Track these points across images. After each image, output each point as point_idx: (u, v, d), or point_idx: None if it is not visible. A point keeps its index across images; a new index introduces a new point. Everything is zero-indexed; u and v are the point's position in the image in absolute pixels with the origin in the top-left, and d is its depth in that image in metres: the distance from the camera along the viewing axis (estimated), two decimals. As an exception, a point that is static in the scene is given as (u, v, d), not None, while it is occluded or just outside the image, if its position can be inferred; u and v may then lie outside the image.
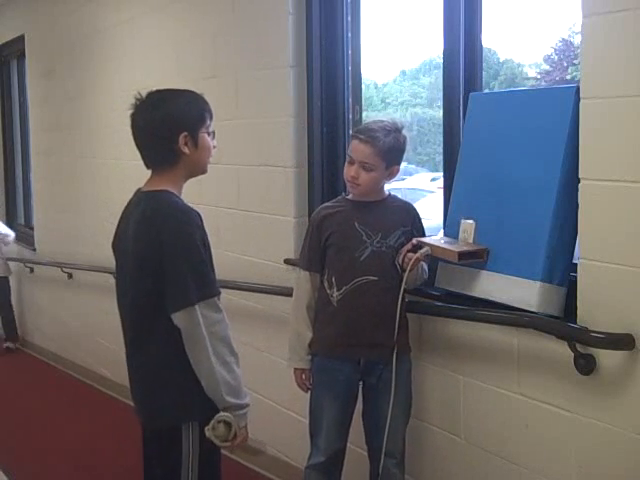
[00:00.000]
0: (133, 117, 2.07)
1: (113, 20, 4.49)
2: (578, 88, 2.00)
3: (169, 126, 2.02)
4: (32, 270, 5.93)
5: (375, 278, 2.35)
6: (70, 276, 5.19)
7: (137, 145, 2.07)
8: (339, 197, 2.62)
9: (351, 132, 2.45)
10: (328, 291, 2.40)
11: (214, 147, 2.11)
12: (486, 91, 2.58)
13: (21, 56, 6.20)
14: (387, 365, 2.37)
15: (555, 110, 2.10)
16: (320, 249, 2.44)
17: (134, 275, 2.02)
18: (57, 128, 5.44)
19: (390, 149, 2.33)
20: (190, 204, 2.02)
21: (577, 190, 2.01)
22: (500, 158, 2.28)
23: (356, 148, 2.35)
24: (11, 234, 5.91)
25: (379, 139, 2.31)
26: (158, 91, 2.10)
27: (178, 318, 1.91)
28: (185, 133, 2.01)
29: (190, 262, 1.93)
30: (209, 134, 2.08)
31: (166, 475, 2.06)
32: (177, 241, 1.94)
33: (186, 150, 2.02)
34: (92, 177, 4.93)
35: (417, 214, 2.48)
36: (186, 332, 1.92)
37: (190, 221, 1.97)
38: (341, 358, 2.41)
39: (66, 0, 5.10)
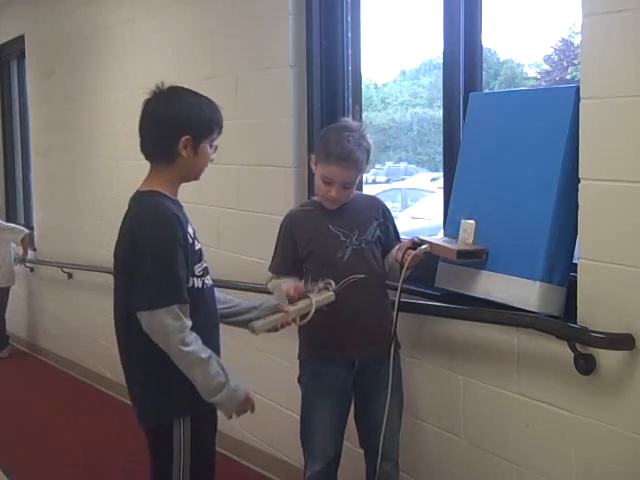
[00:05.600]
0: (147, 103, 2.09)
1: (113, 20, 4.49)
2: (578, 88, 2.00)
3: (175, 124, 2.04)
4: (32, 270, 5.93)
5: (362, 275, 2.34)
6: (70, 276, 5.19)
7: (140, 133, 2.09)
8: (308, 200, 2.58)
9: (329, 158, 2.29)
10: None
11: (212, 160, 2.12)
12: (486, 91, 2.58)
13: (21, 56, 6.20)
14: (381, 363, 2.35)
15: (555, 110, 2.10)
16: (292, 253, 2.40)
17: (117, 275, 2.07)
18: (57, 128, 5.44)
19: (366, 161, 2.35)
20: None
21: (577, 190, 2.01)
22: (500, 158, 2.28)
23: (339, 173, 2.30)
24: (24, 230, 5.88)
25: (359, 160, 2.31)
26: (179, 87, 2.12)
27: (141, 318, 1.95)
28: (188, 137, 2.03)
29: (154, 269, 1.95)
30: (211, 147, 2.10)
31: (158, 471, 2.09)
32: (146, 245, 1.96)
33: (184, 153, 2.04)
34: (92, 177, 4.93)
35: (384, 205, 2.50)
36: (147, 331, 1.96)
37: (163, 225, 1.98)
38: (336, 361, 2.38)
39: (66, 0, 5.10)
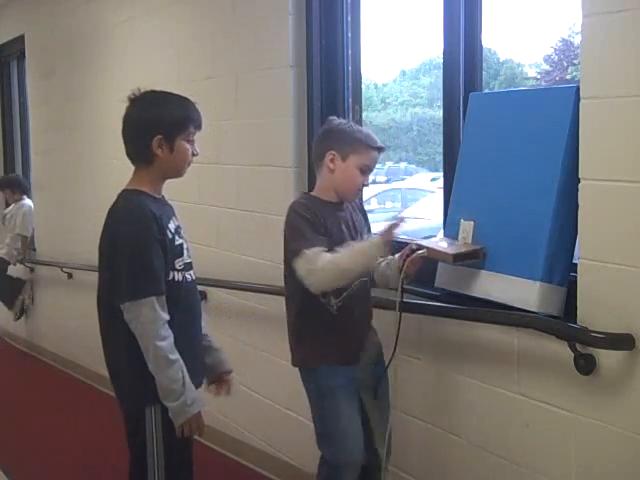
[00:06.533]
0: (125, 111, 2.19)
1: (113, 20, 4.49)
2: (578, 88, 2.00)
3: (146, 126, 2.13)
4: (32, 270, 5.93)
5: (365, 279, 2.34)
6: (70, 276, 5.19)
7: (122, 138, 2.19)
8: (305, 196, 2.45)
9: (370, 144, 2.31)
10: (322, 300, 2.28)
11: (194, 155, 2.19)
12: (486, 91, 2.57)
13: (21, 56, 6.20)
14: (377, 364, 2.40)
15: (555, 110, 2.10)
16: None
17: (101, 268, 2.20)
18: (57, 128, 5.44)
19: None
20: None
21: (577, 190, 2.01)
22: (500, 158, 2.28)
23: (377, 158, 2.36)
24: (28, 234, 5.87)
25: None
26: (152, 91, 2.21)
27: (123, 310, 2.06)
28: (159, 137, 2.11)
29: (132, 264, 2.05)
30: (189, 142, 2.16)
31: (134, 457, 2.17)
32: (123, 240, 2.07)
33: (159, 152, 2.12)
34: (92, 177, 4.93)
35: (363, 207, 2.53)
36: (128, 324, 2.06)
37: (139, 222, 2.07)
38: (346, 363, 2.35)
39: (66, 0, 5.10)
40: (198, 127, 2.19)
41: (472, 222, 2.31)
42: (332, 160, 2.32)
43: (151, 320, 2.03)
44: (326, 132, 2.39)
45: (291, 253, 2.26)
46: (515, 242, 2.17)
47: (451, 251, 2.25)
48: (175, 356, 2.05)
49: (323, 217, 2.28)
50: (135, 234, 2.06)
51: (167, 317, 2.06)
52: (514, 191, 2.21)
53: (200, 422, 2.11)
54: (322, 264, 2.15)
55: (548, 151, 2.10)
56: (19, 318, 5.97)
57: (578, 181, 2.00)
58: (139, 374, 2.07)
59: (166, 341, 2.04)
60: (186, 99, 2.21)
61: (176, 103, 2.18)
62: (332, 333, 2.33)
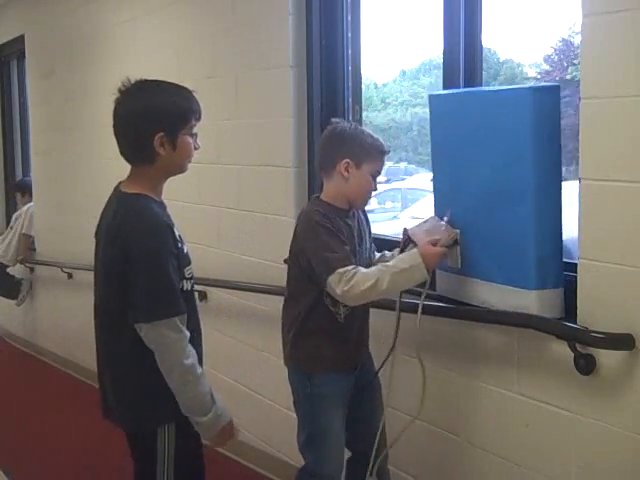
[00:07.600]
0: (115, 104, 1.99)
1: (114, 20, 4.50)
2: (537, 88, 1.99)
3: (145, 123, 1.93)
4: (32, 270, 5.93)
5: None
6: (70, 276, 5.19)
7: (115, 134, 2.00)
8: (320, 203, 2.32)
9: (382, 150, 2.30)
10: (332, 309, 2.27)
11: (196, 148, 2.03)
12: (445, 92, 2.52)
13: (21, 56, 6.20)
14: (370, 363, 2.45)
15: (515, 111, 2.04)
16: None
17: (102, 279, 2.02)
18: (57, 128, 5.44)
19: None
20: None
21: (557, 189, 2.01)
22: (469, 163, 2.21)
23: (383, 165, 2.34)
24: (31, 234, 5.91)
25: None
26: (144, 81, 2.00)
27: (140, 330, 1.93)
28: (161, 134, 1.92)
29: (151, 282, 1.90)
30: (191, 136, 1.99)
31: (142, 475, 2.09)
32: (141, 256, 1.90)
33: (161, 151, 1.94)
34: (92, 177, 4.93)
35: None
36: (147, 344, 1.94)
37: (157, 236, 1.92)
38: (346, 370, 2.36)
39: (66, 0, 5.10)
40: (199, 118, 2.01)
41: (457, 231, 2.26)
42: (346, 168, 2.26)
43: (175, 340, 1.91)
44: (337, 138, 2.29)
45: (321, 268, 2.17)
46: (502, 251, 2.14)
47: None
48: (200, 370, 1.97)
49: (338, 226, 2.24)
50: (151, 250, 1.90)
51: (188, 333, 1.95)
52: (490, 198, 2.14)
53: (232, 429, 2.05)
54: (362, 288, 2.11)
55: (516, 154, 2.05)
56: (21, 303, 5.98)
57: (579, 180, 1.99)
58: (153, 393, 1.98)
59: (191, 358, 1.94)
60: (184, 88, 2.01)
61: (174, 93, 1.98)
62: (335, 341, 2.32)
